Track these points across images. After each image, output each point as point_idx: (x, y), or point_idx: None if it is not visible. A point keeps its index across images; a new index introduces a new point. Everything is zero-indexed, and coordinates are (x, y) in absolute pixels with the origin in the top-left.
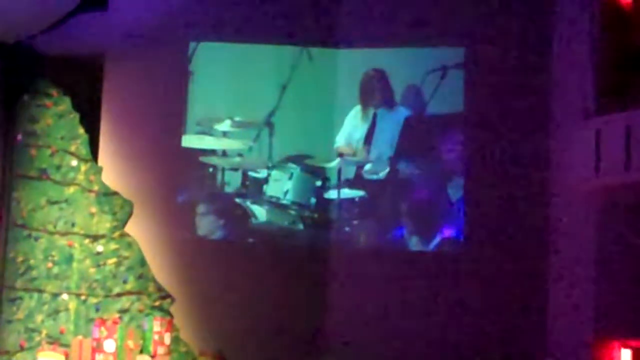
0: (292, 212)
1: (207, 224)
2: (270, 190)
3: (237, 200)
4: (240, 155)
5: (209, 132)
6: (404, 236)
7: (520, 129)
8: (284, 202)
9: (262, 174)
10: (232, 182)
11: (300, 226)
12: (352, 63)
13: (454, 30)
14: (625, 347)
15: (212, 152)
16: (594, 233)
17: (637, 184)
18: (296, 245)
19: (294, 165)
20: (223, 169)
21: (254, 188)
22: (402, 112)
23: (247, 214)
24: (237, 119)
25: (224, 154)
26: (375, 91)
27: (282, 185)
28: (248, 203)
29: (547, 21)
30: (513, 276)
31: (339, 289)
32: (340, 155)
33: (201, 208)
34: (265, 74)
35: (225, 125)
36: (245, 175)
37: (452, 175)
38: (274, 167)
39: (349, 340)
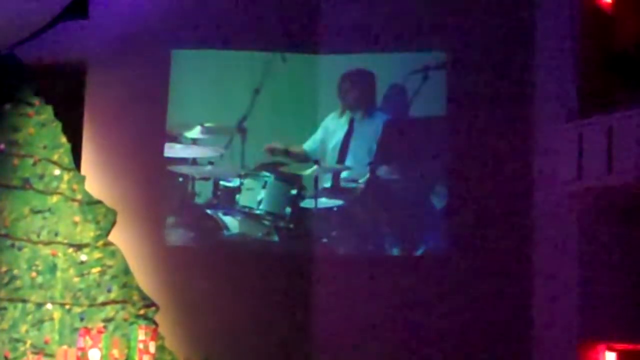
0: (266, 222)
1: (177, 237)
2: (243, 199)
3: (208, 211)
4: (211, 163)
5: (178, 139)
6: (385, 247)
7: (503, 132)
8: (258, 212)
9: (234, 182)
10: (203, 192)
11: (275, 238)
12: (330, 66)
13: (435, 35)
14: (611, 350)
15: (182, 160)
16: (577, 236)
17: (620, 186)
18: (276, 255)
19: (267, 173)
20: (193, 179)
21: (225, 198)
22: (381, 116)
23: (218, 226)
24: (207, 125)
25: (194, 162)
26: (354, 92)
27: (256, 195)
28: (220, 214)
29: (529, 24)
30: (498, 281)
31: (321, 299)
32: (317, 162)
33: (170, 220)
34: (237, 77)
35: (195, 132)
36: (216, 184)
37: (434, 182)
38: (246, 175)
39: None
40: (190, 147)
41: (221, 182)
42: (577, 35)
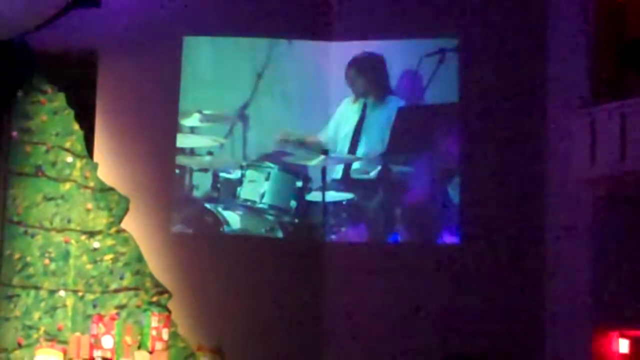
0: (270, 217)
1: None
2: (245, 193)
3: (207, 205)
4: (210, 153)
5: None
6: (398, 243)
7: (516, 120)
8: (260, 206)
9: (235, 174)
10: (201, 184)
11: (279, 233)
12: (340, 53)
13: (448, 21)
14: (623, 337)
15: (179, 150)
16: (591, 223)
17: (633, 173)
18: (292, 240)
19: (271, 164)
20: (191, 170)
21: (226, 191)
22: (396, 101)
23: (218, 221)
24: (206, 112)
25: (192, 152)
26: (362, 78)
27: (258, 187)
28: (219, 209)
29: (542, 11)
30: (511, 268)
31: (332, 293)
32: (325, 152)
33: (170, 214)
34: (239, 63)
35: (193, 120)
36: (216, 176)
37: (449, 172)
38: (248, 166)
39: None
40: (187, 136)
41: (221, 174)
42: (590, 22)
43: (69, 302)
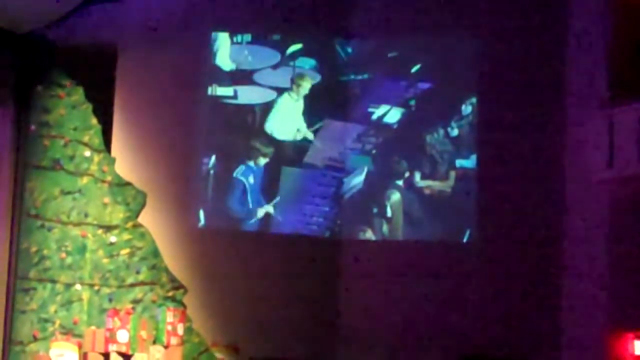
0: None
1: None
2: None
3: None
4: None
5: None
6: (417, 242)
7: (534, 120)
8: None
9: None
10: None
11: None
12: (360, 52)
13: (468, 22)
14: (639, 338)
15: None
16: (607, 224)
17: None
18: (305, 241)
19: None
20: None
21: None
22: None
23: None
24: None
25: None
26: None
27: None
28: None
29: (562, 13)
30: (527, 269)
31: (352, 281)
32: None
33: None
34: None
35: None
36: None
37: (465, 167)
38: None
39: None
40: None
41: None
42: (608, 23)
43: (85, 295)
